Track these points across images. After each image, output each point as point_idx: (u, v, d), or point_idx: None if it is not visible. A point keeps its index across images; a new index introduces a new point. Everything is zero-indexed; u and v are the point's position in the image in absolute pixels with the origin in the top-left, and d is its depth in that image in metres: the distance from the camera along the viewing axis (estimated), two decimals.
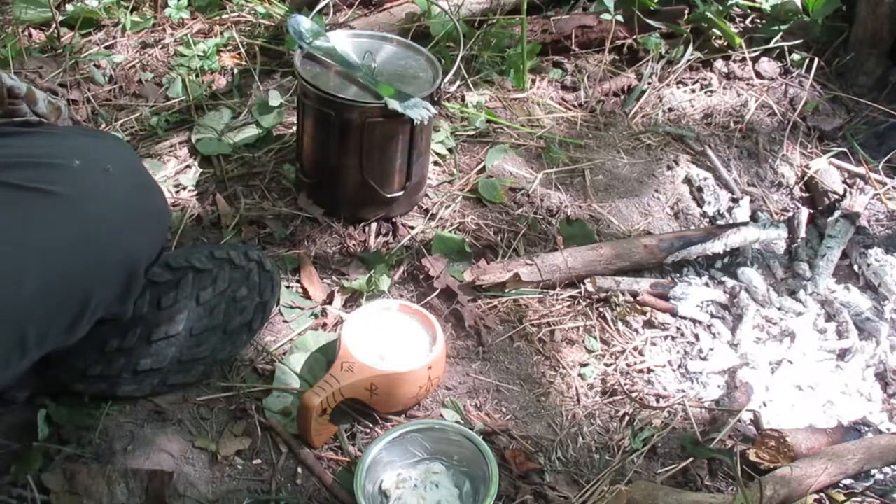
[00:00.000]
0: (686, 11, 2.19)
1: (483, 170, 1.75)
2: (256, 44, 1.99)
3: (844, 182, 1.95)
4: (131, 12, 2.06)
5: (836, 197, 1.88)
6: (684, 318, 1.56)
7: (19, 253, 0.94)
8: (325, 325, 1.43)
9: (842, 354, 1.55)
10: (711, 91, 2.10)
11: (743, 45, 2.18)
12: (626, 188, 1.81)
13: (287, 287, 1.46)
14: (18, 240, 0.95)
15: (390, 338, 1.33)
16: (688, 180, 1.88)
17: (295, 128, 1.66)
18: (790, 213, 1.84)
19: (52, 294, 0.98)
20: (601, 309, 1.53)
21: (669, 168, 1.89)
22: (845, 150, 2.02)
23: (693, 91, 2.10)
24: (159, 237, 1.15)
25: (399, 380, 1.25)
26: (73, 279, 1.00)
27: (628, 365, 1.45)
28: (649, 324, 1.54)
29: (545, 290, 1.53)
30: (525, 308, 1.50)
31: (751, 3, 2.31)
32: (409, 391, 1.27)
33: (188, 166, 1.70)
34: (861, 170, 1.97)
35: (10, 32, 1.95)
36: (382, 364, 1.26)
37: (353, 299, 1.47)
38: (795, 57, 2.19)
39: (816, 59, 2.15)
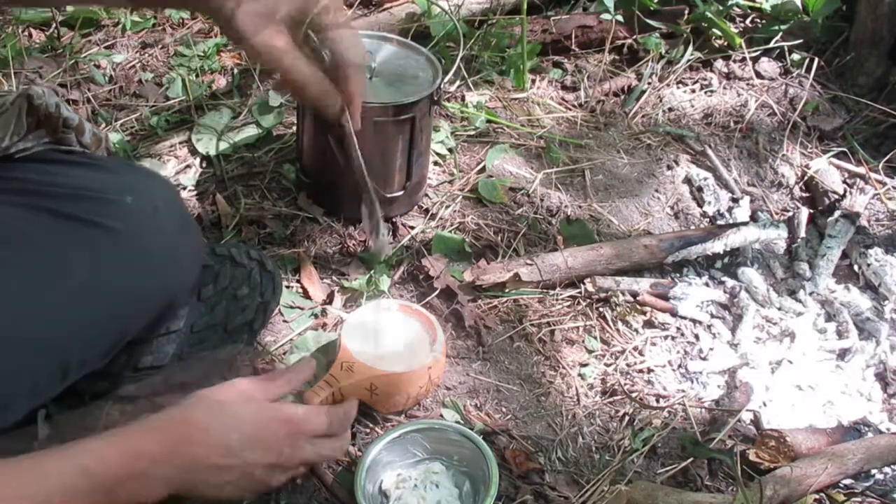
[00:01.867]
0: (686, 11, 2.20)
1: (483, 170, 1.75)
2: None
3: (844, 182, 1.95)
4: (131, 12, 2.05)
5: (836, 197, 1.88)
6: (684, 318, 1.56)
7: (72, 283, 0.99)
8: (325, 325, 1.43)
9: (842, 354, 1.55)
10: (711, 91, 2.10)
11: (743, 45, 2.18)
12: (626, 188, 1.81)
13: (287, 287, 1.46)
14: (72, 271, 0.99)
15: (390, 338, 1.33)
16: (688, 180, 1.88)
17: (295, 128, 1.66)
18: (790, 213, 1.84)
19: (98, 324, 1.02)
20: (601, 309, 1.53)
21: (669, 168, 1.89)
22: (845, 150, 2.02)
23: (693, 91, 2.10)
24: (196, 272, 1.20)
25: (399, 380, 1.25)
26: (118, 310, 1.04)
27: (628, 365, 1.45)
28: (649, 324, 1.54)
29: (545, 290, 1.53)
30: (525, 308, 1.50)
31: (751, 3, 2.31)
32: (410, 391, 1.27)
33: (188, 166, 1.70)
34: (861, 170, 1.97)
35: (10, 32, 1.96)
36: (382, 364, 1.26)
37: (353, 299, 1.47)
38: (795, 57, 2.19)
39: (816, 59, 2.16)
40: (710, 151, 1.94)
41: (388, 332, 1.34)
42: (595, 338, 1.48)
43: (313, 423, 1.09)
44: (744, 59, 2.18)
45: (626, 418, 1.36)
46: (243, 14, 0.99)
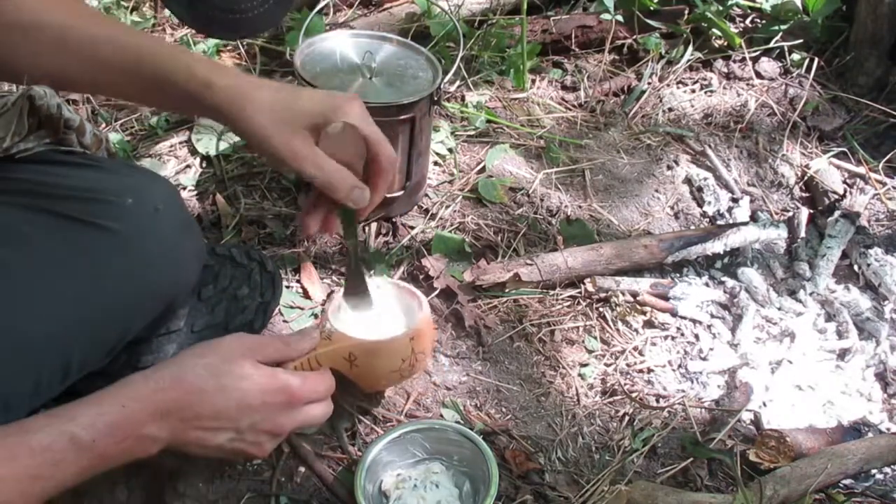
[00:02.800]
0: (686, 11, 2.20)
1: (483, 170, 1.75)
2: (256, 44, 2.00)
3: (844, 182, 1.95)
4: (131, 12, 2.06)
5: (836, 197, 1.88)
6: (684, 318, 1.56)
7: (73, 284, 0.99)
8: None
9: (842, 354, 1.55)
10: (711, 91, 2.10)
11: (743, 45, 2.18)
12: (626, 188, 1.81)
13: (287, 287, 1.46)
14: (72, 271, 0.99)
15: (375, 311, 1.27)
16: (688, 180, 1.88)
17: None
18: (790, 213, 1.84)
19: (99, 324, 1.02)
20: (601, 309, 1.53)
21: (669, 168, 1.89)
22: (845, 150, 2.02)
23: (693, 91, 2.10)
24: (197, 272, 1.20)
25: (379, 349, 1.20)
26: (118, 311, 1.04)
27: (628, 365, 1.45)
28: (649, 324, 1.54)
29: (545, 290, 1.53)
30: (525, 308, 1.50)
31: (751, 3, 2.31)
32: (391, 363, 1.21)
33: (188, 166, 1.70)
34: (861, 170, 1.97)
35: None
36: (362, 334, 1.21)
37: None
38: (795, 57, 2.19)
39: (816, 59, 2.16)
40: (710, 151, 1.94)
41: (373, 306, 1.31)
42: (595, 338, 1.48)
43: (311, 395, 1.08)
44: (744, 59, 2.18)
45: (626, 418, 1.36)
46: (263, 121, 1.02)
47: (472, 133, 1.84)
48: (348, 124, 1.07)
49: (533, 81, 2.04)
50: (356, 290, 1.24)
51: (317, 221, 1.14)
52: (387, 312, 1.29)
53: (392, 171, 1.12)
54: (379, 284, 1.33)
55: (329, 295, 1.47)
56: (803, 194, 1.94)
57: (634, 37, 2.16)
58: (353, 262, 1.24)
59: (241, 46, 1.99)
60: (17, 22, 1.02)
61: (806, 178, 1.95)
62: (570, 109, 2.00)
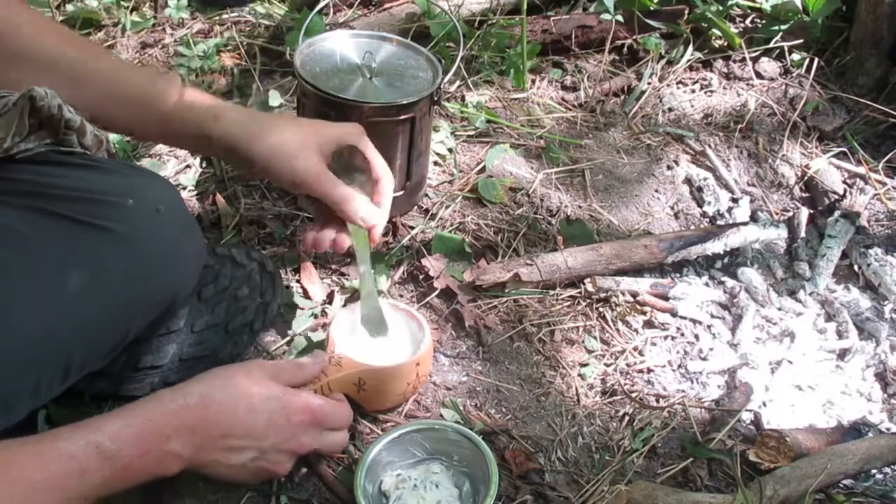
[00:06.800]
0: (686, 11, 2.20)
1: (483, 170, 1.75)
2: (256, 44, 2.00)
3: (844, 182, 1.95)
4: (131, 12, 2.06)
5: (836, 197, 1.88)
6: (684, 318, 1.56)
7: (74, 284, 0.99)
8: (324, 325, 1.43)
9: (842, 354, 1.55)
10: (711, 91, 2.10)
11: (743, 45, 2.18)
12: (626, 188, 1.81)
13: (287, 287, 1.46)
14: (73, 272, 1.00)
15: (385, 336, 1.31)
16: (688, 180, 1.88)
17: None
18: (790, 213, 1.84)
19: (100, 325, 1.03)
20: (601, 309, 1.53)
21: (669, 168, 1.89)
22: (845, 150, 2.02)
23: (693, 91, 2.10)
24: (197, 273, 1.21)
25: (387, 375, 1.24)
26: (119, 312, 1.05)
27: (628, 365, 1.45)
28: (649, 324, 1.54)
29: (545, 290, 1.53)
30: (525, 308, 1.50)
31: (751, 3, 2.32)
32: (398, 387, 1.26)
33: (188, 166, 1.70)
34: (861, 170, 1.97)
35: None
36: (370, 359, 1.25)
37: (353, 299, 1.47)
38: (795, 57, 2.19)
39: (816, 59, 2.16)
40: (710, 151, 1.94)
41: (388, 330, 1.33)
42: (595, 338, 1.48)
43: (332, 416, 1.13)
44: (744, 59, 2.18)
45: (626, 418, 1.36)
46: (275, 141, 1.20)
47: (472, 133, 1.85)
48: (355, 148, 1.24)
49: (533, 81, 2.05)
50: (372, 315, 1.30)
51: (327, 241, 1.26)
52: (391, 336, 1.32)
53: (390, 194, 1.28)
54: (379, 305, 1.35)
55: (329, 294, 1.47)
56: (803, 194, 1.94)
57: (634, 37, 2.16)
58: (366, 285, 1.29)
59: (241, 47, 1.99)
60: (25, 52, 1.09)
61: (806, 178, 1.95)
62: (570, 109, 2.01)
